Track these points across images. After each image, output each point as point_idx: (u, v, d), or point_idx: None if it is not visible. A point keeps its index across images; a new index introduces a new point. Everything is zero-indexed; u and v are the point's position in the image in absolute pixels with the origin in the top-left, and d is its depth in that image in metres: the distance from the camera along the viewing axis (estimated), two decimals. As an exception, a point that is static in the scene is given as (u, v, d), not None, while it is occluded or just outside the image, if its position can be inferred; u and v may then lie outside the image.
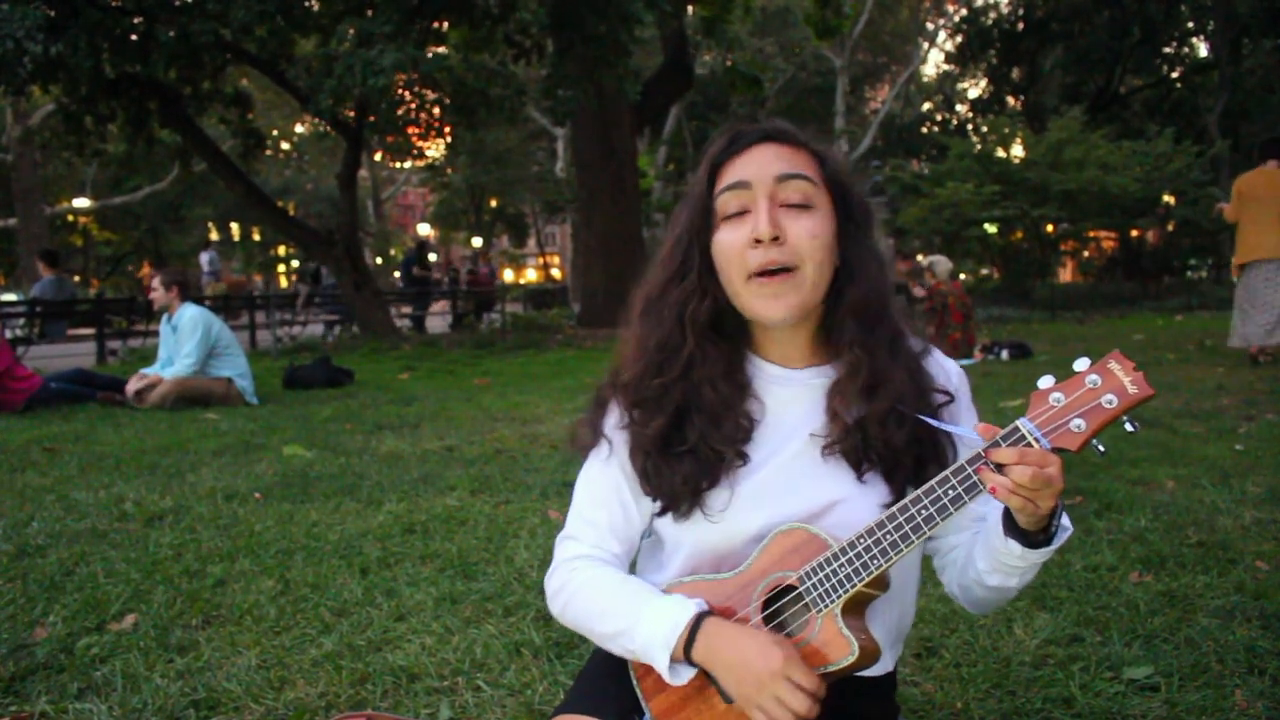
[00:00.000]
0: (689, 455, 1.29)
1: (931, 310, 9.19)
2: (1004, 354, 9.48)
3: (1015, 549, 1.21)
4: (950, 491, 1.16)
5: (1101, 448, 1.15)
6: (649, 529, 1.42)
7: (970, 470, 1.15)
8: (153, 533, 3.38)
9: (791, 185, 1.25)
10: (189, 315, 6.75)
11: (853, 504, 1.28)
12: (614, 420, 1.37)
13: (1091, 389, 1.13)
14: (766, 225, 1.22)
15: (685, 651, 1.22)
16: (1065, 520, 1.24)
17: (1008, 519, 1.22)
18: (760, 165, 1.26)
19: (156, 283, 6.95)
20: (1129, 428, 1.14)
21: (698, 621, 1.23)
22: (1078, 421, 1.12)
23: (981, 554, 1.29)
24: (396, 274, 22.29)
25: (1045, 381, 1.16)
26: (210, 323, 6.81)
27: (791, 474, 1.30)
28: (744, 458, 1.30)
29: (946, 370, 1.38)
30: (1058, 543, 1.22)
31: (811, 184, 1.26)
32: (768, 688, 1.16)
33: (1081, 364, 1.15)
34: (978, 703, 1.98)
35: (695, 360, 1.30)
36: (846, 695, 1.33)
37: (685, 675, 1.24)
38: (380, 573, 2.91)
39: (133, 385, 6.86)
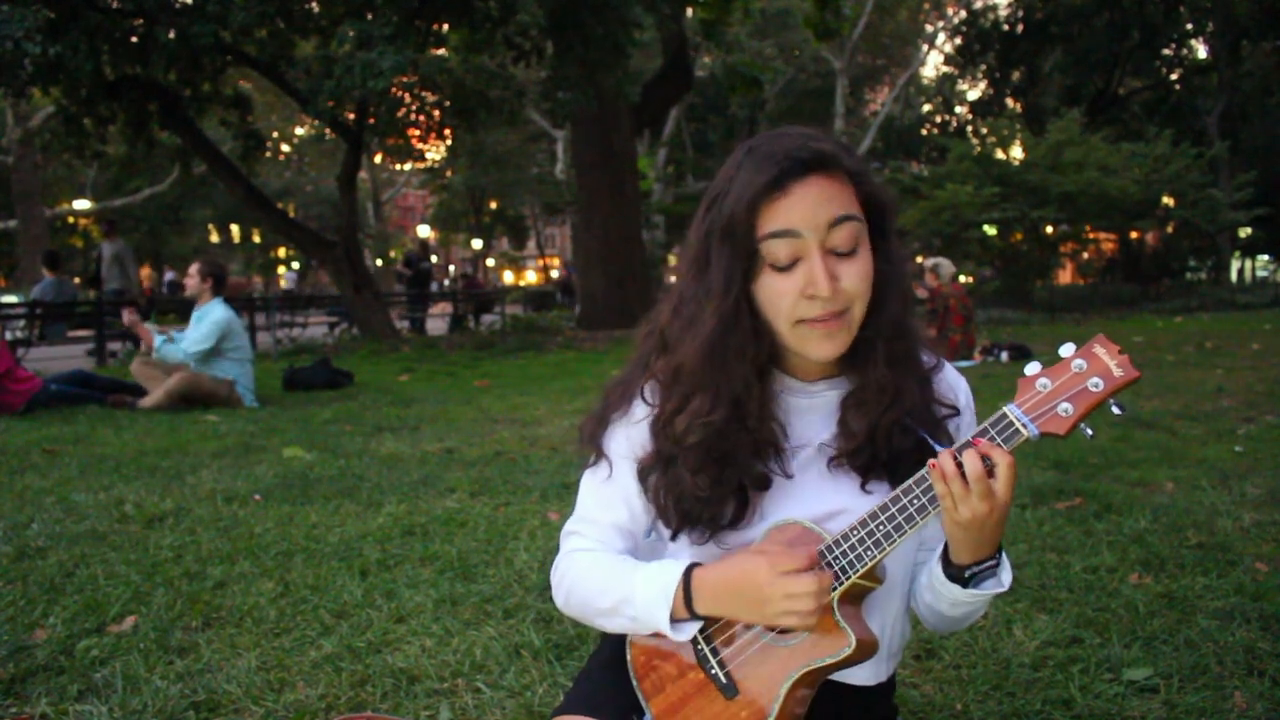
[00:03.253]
0: (719, 494, 1.28)
1: (933, 313, 9.18)
2: (1004, 356, 9.49)
3: (939, 573, 1.26)
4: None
5: (1090, 431, 1.15)
6: (653, 528, 1.42)
7: (960, 458, 1.16)
8: (153, 534, 3.38)
9: (841, 230, 1.20)
10: (216, 315, 6.76)
11: (857, 512, 1.28)
12: (622, 446, 1.35)
13: (1078, 373, 1.14)
14: (826, 286, 1.18)
15: (688, 607, 1.23)
16: (1005, 576, 1.25)
17: (946, 547, 1.25)
18: (810, 210, 1.18)
19: (193, 270, 6.98)
20: (1116, 410, 1.14)
21: (689, 576, 1.24)
22: (1065, 406, 1.13)
23: (924, 578, 1.33)
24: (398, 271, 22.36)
25: (1032, 368, 1.17)
26: (231, 329, 6.83)
27: (799, 484, 1.31)
28: (767, 484, 1.30)
29: (955, 387, 1.38)
30: (979, 589, 1.24)
31: (857, 222, 1.21)
32: (773, 595, 1.17)
33: (1067, 349, 1.16)
34: (977, 704, 1.99)
35: (758, 403, 1.28)
36: (843, 700, 1.33)
37: (688, 631, 1.25)
38: (380, 575, 2.91)
39: (154, 340, 6.88)
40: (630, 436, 1.35)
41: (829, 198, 1.20)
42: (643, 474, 1.33)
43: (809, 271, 1.19)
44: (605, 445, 1.37)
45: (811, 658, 1.22)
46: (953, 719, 1.95)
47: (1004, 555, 1.25)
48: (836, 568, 1.21)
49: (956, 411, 1.34)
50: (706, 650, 1.28)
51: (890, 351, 1.27)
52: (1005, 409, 1.15)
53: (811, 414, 1.33)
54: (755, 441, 1.28)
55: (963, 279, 16.52)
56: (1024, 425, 1.14)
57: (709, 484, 1.27)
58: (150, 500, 3.89)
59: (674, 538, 1.33)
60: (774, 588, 1.16)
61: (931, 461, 1.16)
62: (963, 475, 1.14)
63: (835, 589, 1.21)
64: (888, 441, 1.27)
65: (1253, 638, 2.22)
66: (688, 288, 1.28)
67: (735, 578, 1.20)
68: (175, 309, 16.41)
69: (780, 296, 1.21)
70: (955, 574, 1.25)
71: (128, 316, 6.85)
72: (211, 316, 6.77)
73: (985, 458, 1.13)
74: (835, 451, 1.29)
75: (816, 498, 1.29)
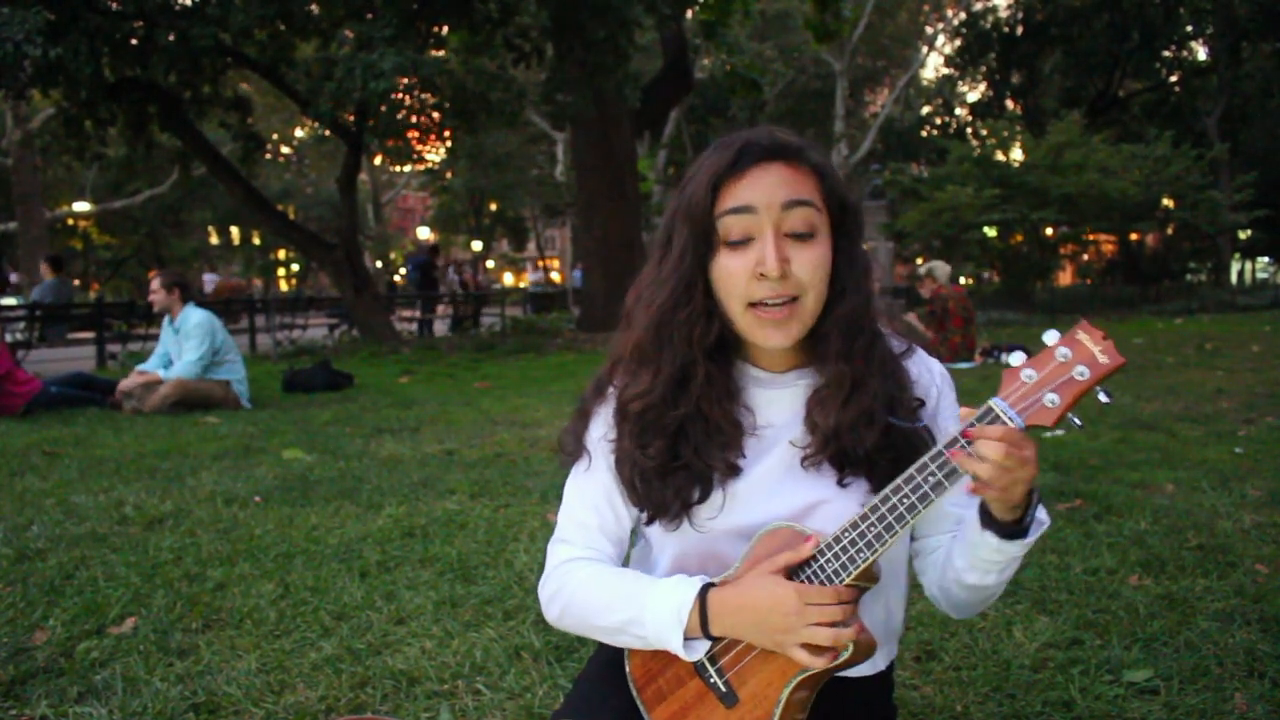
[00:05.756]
0: (682, 471, 1.29)
1: (932, 315, 9.18)
2: (1004, 358, 9.48)
3: (992, 540, 1.21)
4: (930, 478, 1.16)
5: (1078, 421, 1.14)
6: (638, 530, 1.42)
7: (948, 455, 1.15)
8: (152, 536, 3.38)
9: (797, 213, 1.22)
10: (195, 319, 6.76)
11: (834, 505, 1.28)
12: (599, 432, 1.37)
13: (1063, 362, 1.12)
14: (775, 263, 1.20)
15: (703, 628, 1.23)
16: (1042, 514, 1.23)
17: (984, 511, 1.22)
18: (766, 189, 1.22)
19: (156, 284, 6.95)
20: (1103, 398, 1.13)
21: (704, 595, 1.24)
22: (1051, 397, 1.12)
23: (960, 551, 1.29)
24: (400, 275, 22.19)
25: (1016, 358, 1.16)
26: (214, 328, 6.82)
27: (775, 477, 1.31)
28: (736, 470, 1.30)
29: (931, 370, 1.38)
30: (1033, 535, 1.22)
31: (815, 209, 1.24)
32: (796, 624, 1.16)
33: (1050, 337, 1.14)
34: (977, 706, 1.99)
35: (704, 384, 1.29)
36: (842, 699, 1.33)
37: (700, 650, 1.25)
38: (380, 576, 2.91)
39: (128, 382, 6.88)
40: (605, 419, 1.36)
41: (786, 181, 1.23)
42: (617, 458, 1.34)
43: (760, 248, 1.22)
44: (586, 438, 1.38)
45: (809, 664, 1.21)
46: (953, 721, 1.95)
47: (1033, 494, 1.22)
48: (829, 570, 1.20)
49: (922, 403, 1.33)
50: (704, 659, 1.27)
51: (847, 346, 1.27)
52: (991, 402, 1.14)
53: (781, 404, 1.33)
54: (708, 426, 1.29)
55: (962, 280, 16.54)
56: (1010, 419, 1.12)
57: (660, 458, 1.29)
58: (150, 502, 3.89)
59: (649, 523, 1.34)
60: (800, 618, 1.16)
61: (951, 451, 1.13)
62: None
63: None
64: (853, 436, 1.26)
65: (1253, 639, 2.22)
66: (651, 269, 1.33)
67: (759, 602, 1.20)
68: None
69: (732, 276, 1.24)
70: (1013, 532, 1.21)
71: (125, 383, 6.93)
72: (191, 322, 6.76)
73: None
74: (805, 451, 1.30)
75: (793, 491, 1.30)
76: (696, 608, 1.23)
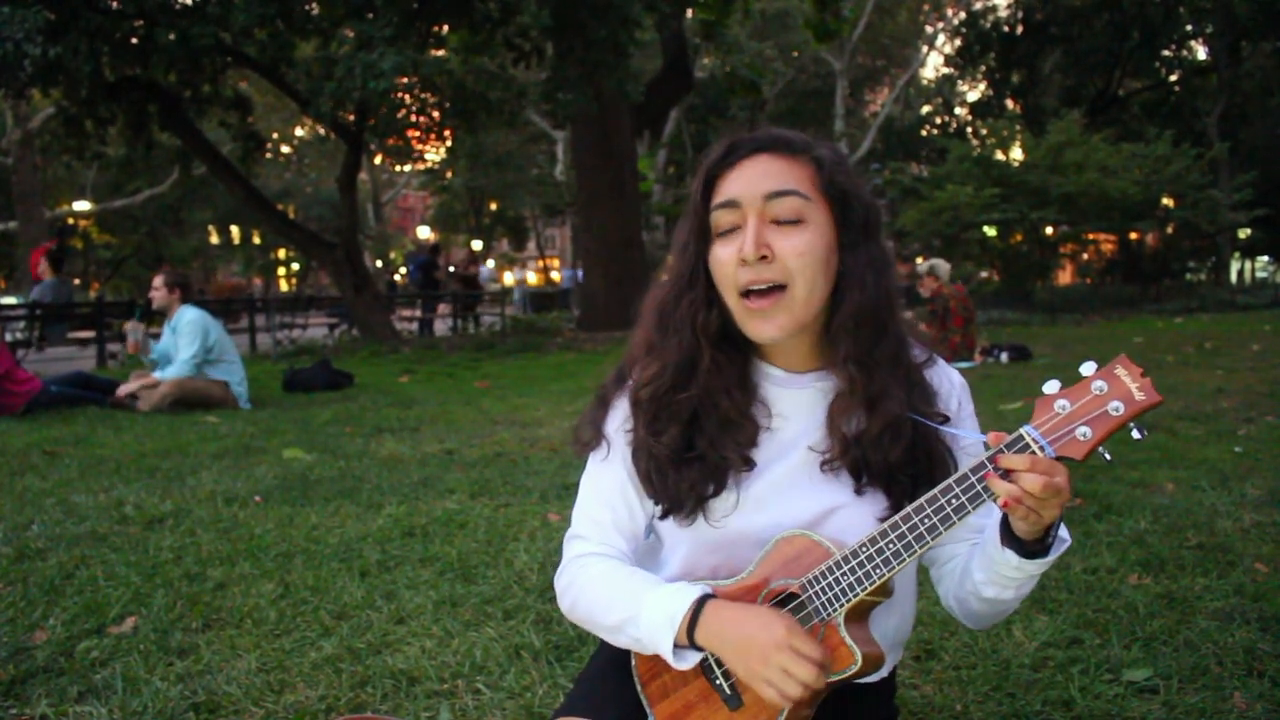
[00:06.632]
0: (697, 462, 1.30)
1: (933, 313, 9.17)
2: (1003, 357, 9.48)
3: (1012, 559, 1.20)
4: (954, 500, 1.15)
5: (1108, 455, 1.13)
6: (651, 526, 1.42)
7: (974, 479, 1.14)
8: (153, 536, 3.38)
9: (782, 202, 1.23)
10: (188, 318, 6.77)
11: (850, 511, 1.28)
12: (617, 422, 1.37)
13: (1098, 395, 1.11)
14: (752, 246, 1.22)
15: (689, 635, 1.22)
16: (1064, 532, 1.22)
17: (1005, 528, 1.21)
18: (750, 182, 1.25)
19: (158, 282, 6.97)
20: (1136, 435, 1.11)
21: (700, 605, 1.23)
22: (1084, 429, 1.11)
23: (979, 565, 1.28)
24: (401, 274, 22.15)
25: (1051, 387, 1.14)
26: (208, 327, 6.82)
27: (793, 479, 1.30)
28: (750, 463, 1.30)
29: (951, 380, 1.37)
30: (1055, 554, 1.21)
31: (803, 199, 1.24)
32: (773, 660, 1.15)
33: (1088, 369, 1.13)
34: (977, 705, 1.99)
35: (711, 371, 1.30)
36: (845, 700, 1.33)
37: (690, 660, 1.24)
38: (380, 576, 2.91)
39: (129, 386, 6.88)
40: (624, 409, 1.37)
41: (773, 173, 1.25)
42: (634, 448, 1.35)
43: (742, 235, 1.24)
44: (605, 427, 1.39)
45: None
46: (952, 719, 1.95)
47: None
48: (845, 583, 1.20)
49: (947, 419, 1.33)
50: (712, 660, 1.27)
51: (860, 348, 1.26)
52: (1023, 430, 1.13)
53: (799, 405, 1.33)
54: (721, 417, 1.30)
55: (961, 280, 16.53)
56: (1041, 448, 1.11)
57: (673, 445, 1.30)
58: (150, 502, 3.89)
59: (663, 517, 1.34)
60: (779, 655, 1.15)
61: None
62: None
63: (843, 606, 1.20)
64: (875, 448, 1.26)
65: (1253, 638, 2.22)
66: (668, 265, 1.37)
67: (748, 626, 1.19)
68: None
69: (722, 265, 1.27)
70: (1034, 550, 1.20)
71: (125, 389, 6.92)
72: (185, 320, 6.77)
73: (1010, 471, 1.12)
74: (825, 455, 1.29)
75: (809, 494, 1.29)
76: (689, 615, 1.22)
